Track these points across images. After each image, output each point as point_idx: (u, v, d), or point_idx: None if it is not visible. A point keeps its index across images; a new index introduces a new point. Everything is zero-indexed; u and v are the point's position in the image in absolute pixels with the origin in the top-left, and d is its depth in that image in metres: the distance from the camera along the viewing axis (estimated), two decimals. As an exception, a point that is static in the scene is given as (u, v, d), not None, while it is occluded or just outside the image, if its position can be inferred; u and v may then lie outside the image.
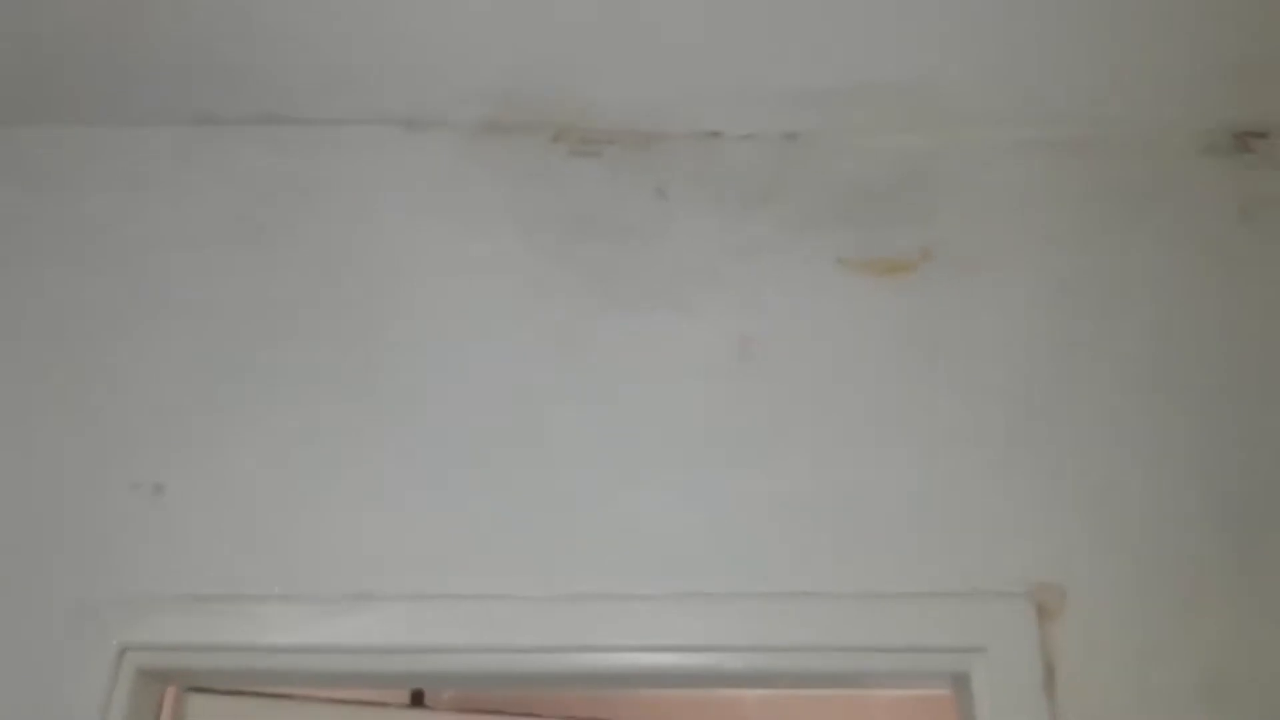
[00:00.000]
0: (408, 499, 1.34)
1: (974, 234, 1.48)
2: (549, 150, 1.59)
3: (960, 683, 1.23)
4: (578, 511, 1.33)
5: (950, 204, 1.50)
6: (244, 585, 1.28)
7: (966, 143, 1.54)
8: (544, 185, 1.56)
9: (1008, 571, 1.26)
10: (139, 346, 1.44)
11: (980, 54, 1.46)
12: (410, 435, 1.38)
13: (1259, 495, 1.30)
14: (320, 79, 1.54)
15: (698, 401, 1.39)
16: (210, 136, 1.59)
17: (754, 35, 1.45)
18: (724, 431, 1.37)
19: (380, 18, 1.44)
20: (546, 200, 1.55)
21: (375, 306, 1.47)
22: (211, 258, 1.50)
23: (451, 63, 1.52)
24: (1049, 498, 1.31)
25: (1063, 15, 1.40)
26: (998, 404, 1.36)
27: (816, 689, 1.27)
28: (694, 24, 1.44)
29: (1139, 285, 1.44)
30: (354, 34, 1.47)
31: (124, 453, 1.36)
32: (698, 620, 1.24)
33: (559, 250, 1.50)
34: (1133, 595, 1.25)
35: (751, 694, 2.24)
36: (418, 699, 1.82)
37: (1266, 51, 1.44)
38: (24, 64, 1.52)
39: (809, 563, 1.28)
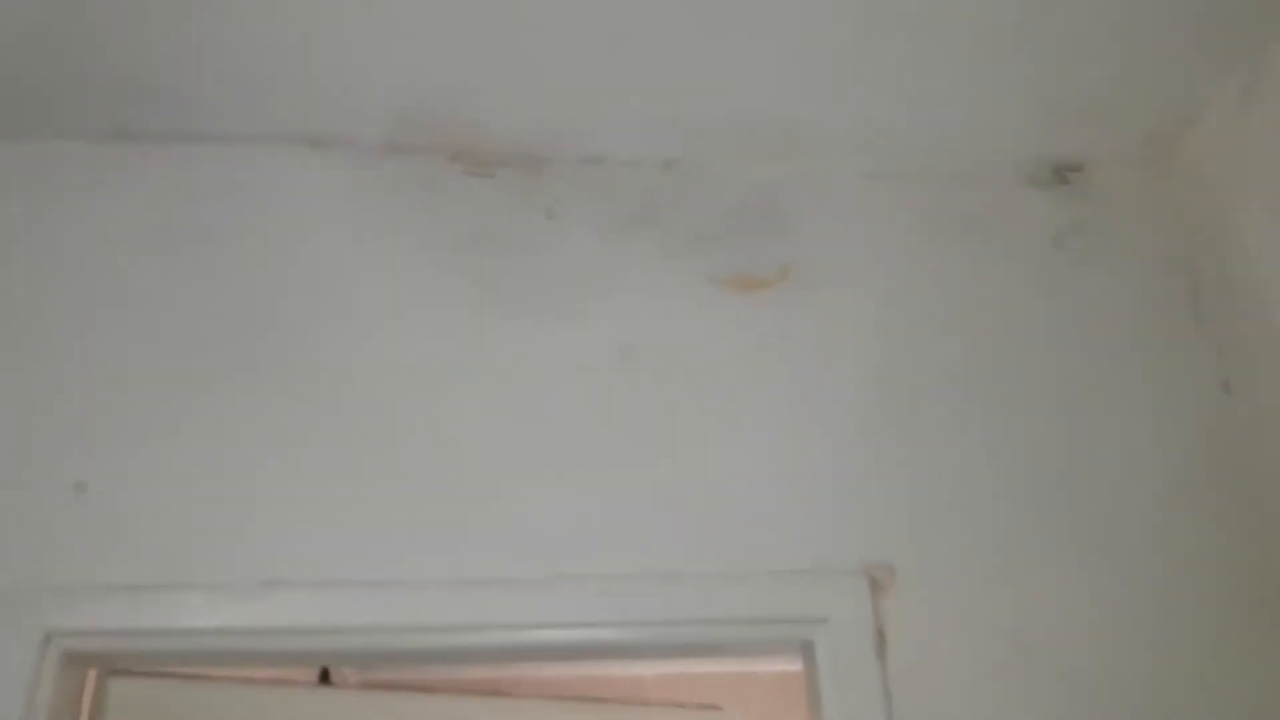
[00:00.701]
0: (314, 491, 1.43)
1: (825, 254, 1.64)
2: (445, 170, 1.69)
3: (807, 650, 1.39)
4: (471, 502, 1.44)
5: (805, 227, 1.67)
6: (162, 574, 1.36)
7: (820, 172, 1.70)
8: (440, 202, 1.66)
9: (846, 551, 1.43)
10: (59, 350, 1.50)
11: (834, 90, 1.61)
12: (315, 432, 1.47)
13: (1056, 482, 1.50)
14: (231, 99, 1.61)
15: (580, 402, 1.52)
16: (124, 151, 1.65)
17: (636, 68, 1.57)
18: (603, 429, 1.51)
19: (287, 42, 1.51)
20: (442, 216, 1.65)
21: (283, 311, 1.56)
22: (126, 266, 1.56)
23: (354, 86, 1.60)
24: (882, 486, 1.48)
25: (907, 56, 1.55)
26: (841, 405, 1.54)
27: (681, 659, 1.42)
28: (582, 55, 1.54)
29: (965, 302, 1.62)
30: (263, 58, 1.53)
31: (48, 451, 1.43)
32: (573, 600, 1.37)
33: (454, 262, 1.61)
34: (952, 571, 1.43)
35: (650, 672, 2.39)
36: (325, 678, 1.91)
37: (1082, 89, 1.61)
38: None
39: (674, 546, 1.43)
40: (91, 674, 1.39)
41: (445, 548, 1.42)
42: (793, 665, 1.44)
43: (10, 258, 1.57)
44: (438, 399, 1.52)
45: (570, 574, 1.39)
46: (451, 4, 1.46)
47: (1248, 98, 1.55)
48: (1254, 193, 1.54)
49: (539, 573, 1.39)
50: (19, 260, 1.57)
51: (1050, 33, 1.52)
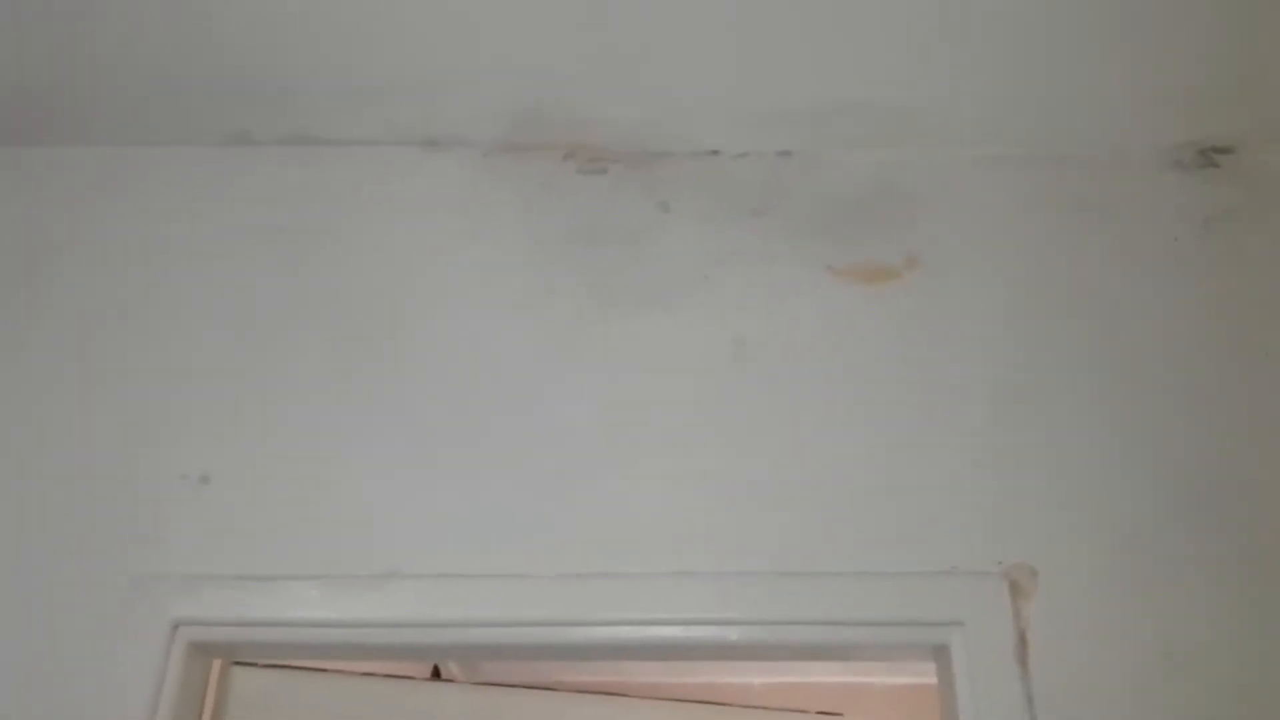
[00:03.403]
0: (431, 485, 1.38)
1: (953, 243, 1.53)
2: (559, 168, 1.64)
3: (941, 654, 1.28)
4: (585, 497, 1.37)
5: (930, 215, 1.55)
6: (282, 565, 1.33)
7: (945, 158, 1.59)
8: (553, 199, 1.61)
9: (982, 552, 1.31)
10: (183, 348, 1.49)
11: (954, 74, 1.51)
12: (433, 426, 1.43)
13: (1210, 481, 1.35)
14: (347, 102, 1.59)
15: (693, 394, 1.44)
16: (243, 155, 1.64)
17: (749, 59, 1.50)
18: (718, 422, 1.42)
19: (404, 45, 1.49)
20: (555, 213, 1.60)
21: (399, 309, 1.52)
22: (246, 266, 1.55)
23: (470, 87, 1.57)
24: (1022, 484, 1.36)
25: (1035, 36, 1.44)
26: (975, 398, 1.41)
27: (807, 660, 1.31)
28: (694, 49, 1.48)
29: (1103, 291, 1.49)
30: (380, 61, 1.52)
31: (174, 445, 1.41)
32: (694, 597, 1.29)
33: (567, 258, 1.55)
34: (1097, 573, 1.30)
35: (758, 680, 2.28)
36: (435, 676, 1.86)
37: (1231, 69, 1.48)
38: (68, 88, 1.57)
39: (798, 544, 1.33)
40: (216, 664, 1.35)
41: (563, 542, 1.35)
42: (922, 672, 1.33)
43: (134, 258, 1.57)
44: (553, 394, 1.45)
45: (693, 571, 1.30)
46: (564, 3, 1.42)
47: None
48: None
49: (661, 568, 1.31)
50: (142, 260, 1.57)
51: (1191, 14, 1.39)
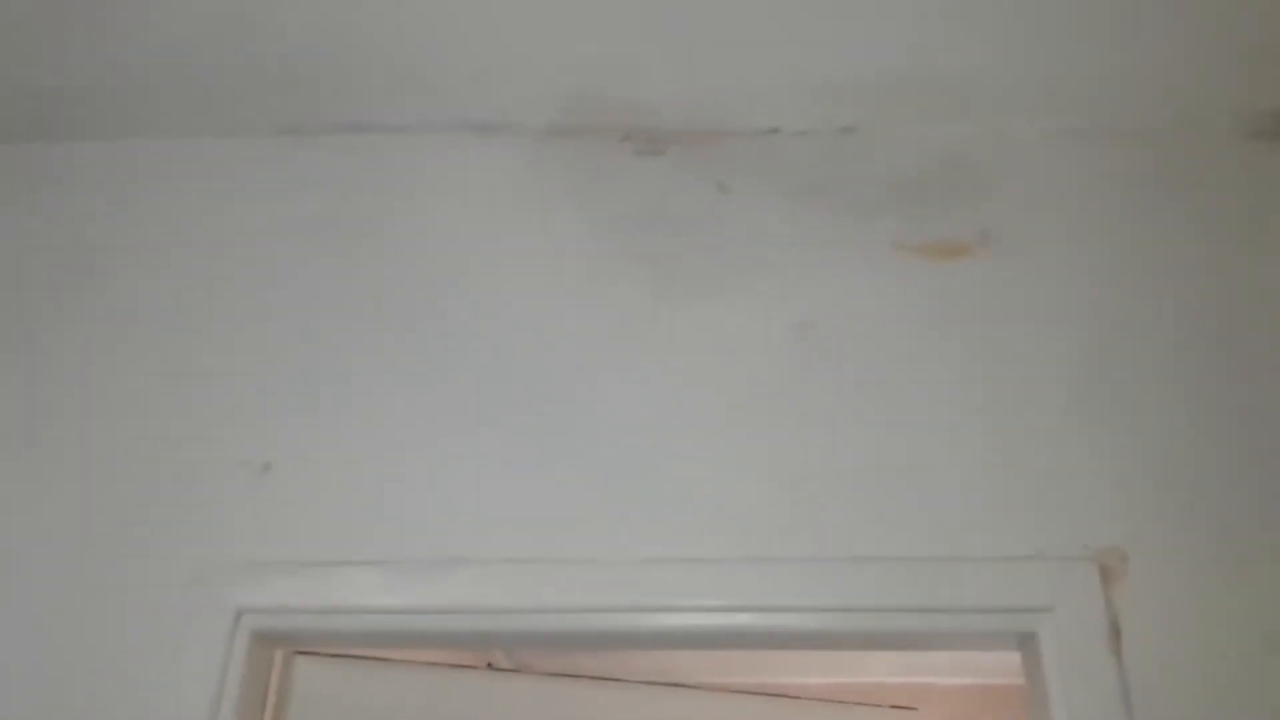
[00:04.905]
0: (493, 470, 1.33)
1: (1027, 218, 1.45)
2: (616, 150, 1.58)
3: (1027, 642, 1.20)
4: (653, 482, 1.31)
5: (1001, 189, 1.48)
6: (346, 552, 1.28)
7: (1013, 131, 1.52)
8: (611, 183, 1.55)
9: (1070, 535, 1.23)
10: (244, 336, 1.46)
11: (1024, 44, 1.43)
12: (493, 411, 1.37)
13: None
14: (399, 90, 1.55)
15: (761, 378, 1.37)
16: (295, 146, 1.60)
17: (807, 34, 1.43)
18: (787, 404, 1.35)
19: (454, 31, 1.44)
20: (613, 196, 1.54)
21: (456, 295, 1.47)
22: (302, 254, 1.51)
23: (521, 71, 1.51)
24: (1107, 466, 1.28)
25: (1105, 6, 1.37)
26: (1055, 377, 1.34)
27: (886, 649, 1.24)
28: (749, 25, 1.42)
29: (1184, 264, 1.41)
30: (430, 47, 1.47)
31: (236, 432, 1.37)
32: (767, 582, 1.22)
33: (625, 241, 1.49)
34: (1190, 556, 1.22)
35: (815, 680, 2.18)
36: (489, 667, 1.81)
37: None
38: (118, 83, 1.54)
39: (872, 528, 1.26)
40: (279, 654, 1.30)
41: (631, 527, 1.28)
42: (986, 672, 1.25)
43: (189, 250, 1.53)
44: (614, 378, 1.39)
45: (766, 556, 1.24)
46: (616, -17, 1.36)
47: None
48: None
49: (733, 553, 1.24)
50: (198, 252, 1.53)
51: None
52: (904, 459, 1.30)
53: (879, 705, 1.71)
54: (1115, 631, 1.17)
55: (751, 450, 1.32)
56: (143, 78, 1.53)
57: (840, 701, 1.64)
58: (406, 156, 1.59)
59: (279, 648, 1.29)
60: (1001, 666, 1.34)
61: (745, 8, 1.40)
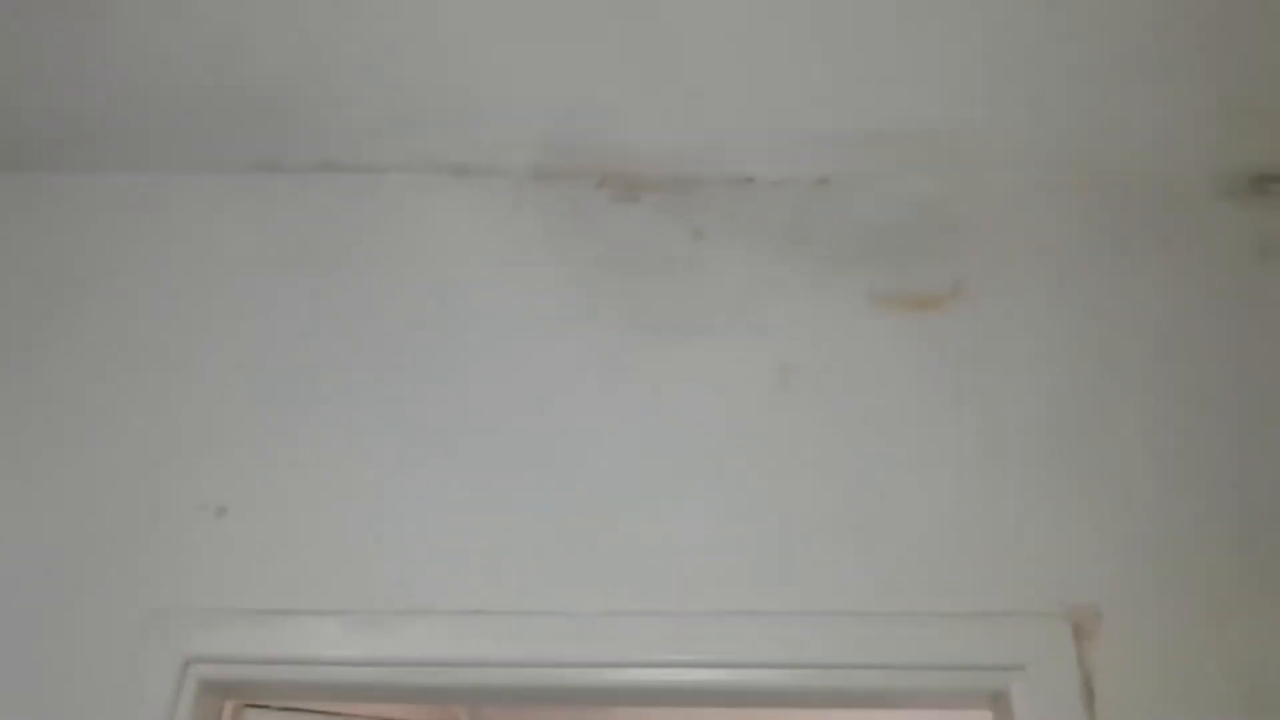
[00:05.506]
0: (454, 518, 1.30)
1: (1000, 270, 1.44)
2: (592, 195, 1.57)
3: (999, 701, 1.17)
4: (618, 530, 1.28)
5: (975, 241, 1.47)
6: (302, 600, 1.24)
7: (989, 184, 1.52)
8: (587, 227, 1.54)
9: (1042, 592, 1.21)
10: (202, 376, 1.42)
11: (1000, 99, 1.44)
12: (455, 457, 1.34)
13: (1273, 514, 1.25)
14: (376, 129, 1.54)
15: (737, 424, 1.35)
16: (271, 183, 1.58)
17: (785, 85, 1.44)
18: (762, 453, 1.33)
19: (434, 73, 1.44)
20: (588, 240, 1.53)
21: (425, 337, 1.44)
22: (269, 294, 1.49)
23: (501, 114, 1.51)
24: (1081, 519, 1.26)
25: (1080, 60, 1.38)
26: (1029, 430, 1.32)
27: (855, 708, 1.20)
28: (729, 76, 1.43)
29: (1157, 320, 1.40)
30: (409, 87, 1.47)
31: (188, 474, 1.34)
32: (736, 638, 1.19)
33: (600, 286, 1.48)
34: (1166, 612, 1.20)
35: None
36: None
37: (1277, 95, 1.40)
38: (96, 116, 1.52)
39: (845, 582, 1.23)
40: (228, 706, 1.25)
41: (598, 579, 1.25)
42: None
43: (159, 286, 1.51)
44: (585, 424, 1.37)
45: (737, 609, 1.20)
46: (596, 31, 1.38)
47: None
48: None
49: (702, 607, 1.21)
50: (167, 289, 1.51)
51: (1241, 37, 1.33)
52: (877, 510, 1.27)
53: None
54: (1089, 691, 1.14)
55: (723, 500, 1.30)
56: (116, 113, 1.52)
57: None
58: (382, 197, 1.57)
59: (229, 698, 1.24)
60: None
61: (724, 57, 1.40)
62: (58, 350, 1.45)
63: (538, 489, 1.31)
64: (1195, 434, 1.31)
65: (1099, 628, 1.18)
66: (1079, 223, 1.48)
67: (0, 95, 1.49)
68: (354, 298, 1.48)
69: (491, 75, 1.44)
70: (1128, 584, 1.21)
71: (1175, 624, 1.19)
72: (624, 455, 1.34)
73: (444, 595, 1.24)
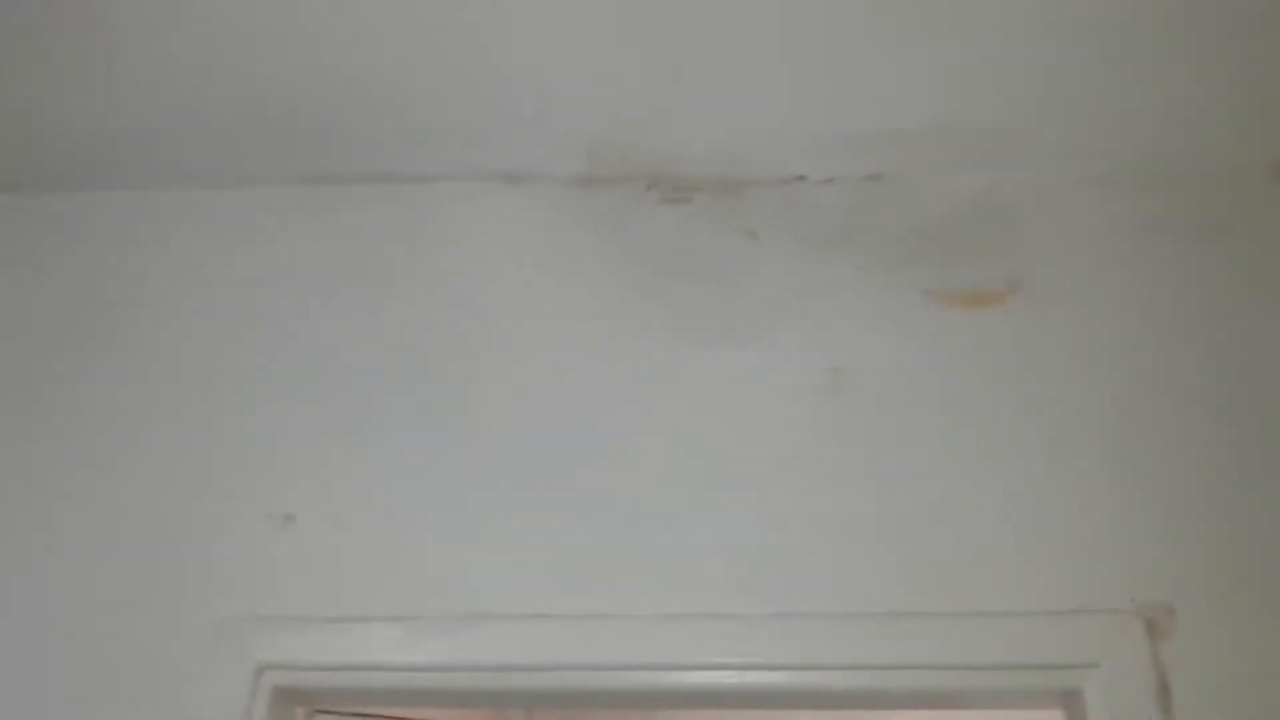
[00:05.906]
0: (514, 525, 1.30)
1: (1058, 265, 1.42)
2: (642, 199, 1.57)
3: (1071, 700, 1.15)
4: (682, 535, 1.28)
5: (1032, 237, 1.45)
6: (368, 607, 1.25)
7: (1041, 180, 1.49)
8: (637, 231, 1.54)
9: (1113, 590, 1.18)
10: (267, 386, 1.44)
11: (1052, 93, 1.41)
12: (515, 465, 1.35)
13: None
14: (425, 139, 1.55)
15: (791, 428, 1.34)
16: (322, 195, 1.60)
17: (834, 82, 1.42)
18: (819, 456, 1.32)
19: (481, 82, 1.45)
20: (639, 245, 1.52)
21: (479, 345, 1.45)
22: (327, 306, 1.50)
23: (548, 121, 1.51)
24: (1149, 516, 1.23)
25: (1134, 53, 1.35)
26: (1092, 426, 1.29)
27: (927, 709, 1.19)
28: (777, 75, 1.42)
29: (1219, 311, 1.37)
30: (456, 97, 1.47)
31: (256, 485, 1.35)
32: (800, 639, 1.18)
33: (652, 290, 1.48)
34: (1239, 609, 1.17)
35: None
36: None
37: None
38: (147, 131, 1.54)
39: (909, 581, 1.21)
40: (299, 712, 1.26)
41: (658, 582, 1.25)
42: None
43: (216, 299, 1.53)
44: (641, 429, 1.36)
45: (798, 611, 1.19)
46: (642, 33, 1.37)
47: None
48: None
49: (761, 609, 1.20)
50: (225, 301, 1.53)
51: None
52: (941, 509, 1.25)
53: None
54: (1164, 689, 1.12)
55: (782, 501, 1.29)
56: (167, 128, 1.53)
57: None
58: (433, 206, 1.58)
59: (300, 705, 1.26)
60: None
61: (772, 57, 1.39)
62: (123, 363, 1.48)
63: (595, 495, 1.31)
64: (1264, 427, 1.28)
65: (1173, 625, 1.15)
66: (1135, 217, 1.44)
67: (51, 113, 1.52)
68: (409, 306, 1.49)
69: (539, 81, 1.44)
70: (1200, 581, 1.18)
71: (1250, 621, 1.16)
72: (680, 459, 1.33)
73: (503, 601, 1.25)
